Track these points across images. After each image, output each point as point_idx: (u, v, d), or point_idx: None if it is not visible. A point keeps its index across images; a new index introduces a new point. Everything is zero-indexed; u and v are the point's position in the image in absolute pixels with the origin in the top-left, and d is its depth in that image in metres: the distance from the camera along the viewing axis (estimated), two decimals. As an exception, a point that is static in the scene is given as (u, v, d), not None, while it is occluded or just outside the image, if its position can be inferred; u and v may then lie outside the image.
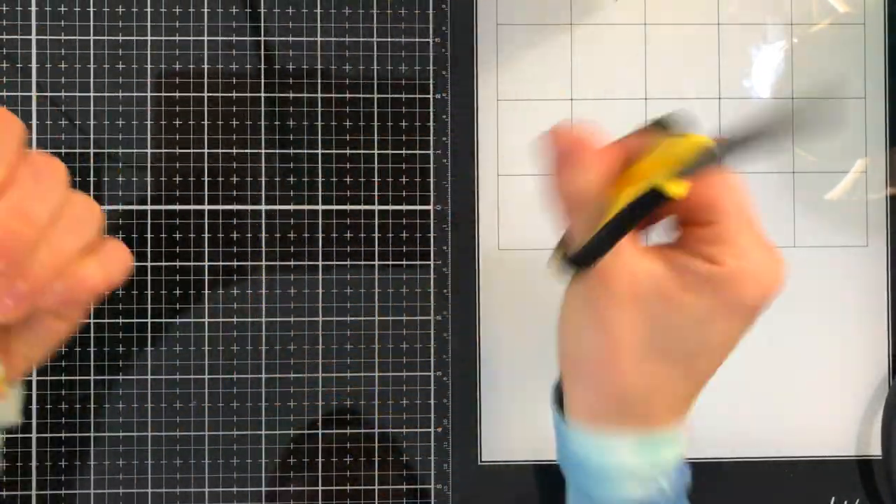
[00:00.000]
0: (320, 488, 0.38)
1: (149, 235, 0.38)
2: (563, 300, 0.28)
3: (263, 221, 0.38)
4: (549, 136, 0.26)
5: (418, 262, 0.39)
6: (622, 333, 0.26)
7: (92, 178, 0.38)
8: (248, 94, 0.38)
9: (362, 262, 0.39)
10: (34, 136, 0.38)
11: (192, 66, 0.38)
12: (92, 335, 0.38)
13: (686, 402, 0.27)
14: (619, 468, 0.27)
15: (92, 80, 0.38)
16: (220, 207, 0.38)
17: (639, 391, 0.26)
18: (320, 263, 0.39)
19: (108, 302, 0.38)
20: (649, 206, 0.24)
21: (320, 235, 0.39)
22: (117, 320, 0.38)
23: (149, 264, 0.38)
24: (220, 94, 0.38)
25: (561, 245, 0.27)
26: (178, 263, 0.38)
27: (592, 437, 0.27)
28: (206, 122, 0.38)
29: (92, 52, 0.38)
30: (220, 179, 0.38)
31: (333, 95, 0.39)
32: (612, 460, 0.27)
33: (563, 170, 0.25)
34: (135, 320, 0.38)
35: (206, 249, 0.38)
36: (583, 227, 0.26)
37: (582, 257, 0.26)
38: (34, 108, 0.38)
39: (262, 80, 0.39)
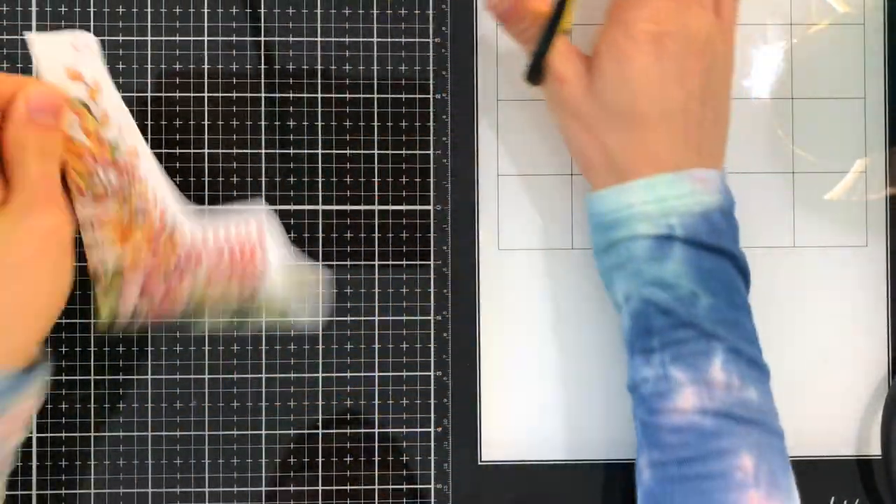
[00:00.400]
0: (320, 488, 0.38)
1: (149, 235, 0.38)
2: (551, 116, 0.37)
3: (263, 221, 0.38)
4: (489, 9, 0.35)
5: (418, 262, 0.39)
6: (586, 115, 0.34)
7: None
8: (248, 94, 0.39)
9: (362, 262, 0.39)
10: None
11: (192, 66, 0.38)
12: (92, 335, 0.38)
13: (642, 152, 0.33)
14: (630, 210, 0.33)
15: (92, 80, 0.38)
16: (220, 207, 0.38)
17: (607, 152, 0.34)
18: (320, 263, 0.39)
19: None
20: (562, 11, 0.32)
21: (320, 235, 0.39)
22: (117, 320, 0.38)
23: (149, 264, 0.38)
24: (220, 94, 0.38)
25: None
26: (178, 263, 0.38)
27: (605, 194, 0.34)
28: (206, 122, 0.38)
29: (92, 52, 0.38)
30: (220, 179, 0.38)
31: (333, 95, 0.39)
32: (625, 201, 0.33)
33: (508, 25, 0.35)
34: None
35: (206, 249, 0.38)
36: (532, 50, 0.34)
37: (534, 67, 0.34)
38: (34, 108, 0.38)
39: (262, 80, 0.39)
